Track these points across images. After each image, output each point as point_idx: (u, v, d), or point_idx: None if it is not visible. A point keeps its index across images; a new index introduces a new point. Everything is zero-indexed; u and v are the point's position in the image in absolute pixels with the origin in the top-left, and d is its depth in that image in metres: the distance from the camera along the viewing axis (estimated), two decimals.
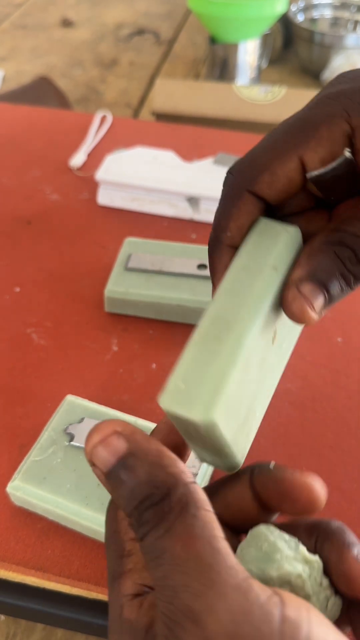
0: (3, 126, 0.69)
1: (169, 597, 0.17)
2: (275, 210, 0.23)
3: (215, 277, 0.24)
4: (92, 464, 0.19)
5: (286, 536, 0.21)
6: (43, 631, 0.35)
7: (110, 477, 0.19)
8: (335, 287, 0.21)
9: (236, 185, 0.23)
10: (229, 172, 0.23)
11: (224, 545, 0.17)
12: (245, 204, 0.23)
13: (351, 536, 0.21)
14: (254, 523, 0.21)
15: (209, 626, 0.16)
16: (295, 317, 0.20)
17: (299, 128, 0.22)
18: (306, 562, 0.20)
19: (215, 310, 0.20)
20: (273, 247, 0.22)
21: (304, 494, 0.20)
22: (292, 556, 0.20)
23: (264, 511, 0.22)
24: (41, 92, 0.83)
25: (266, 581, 0.20)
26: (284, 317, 0.21)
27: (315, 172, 0.21)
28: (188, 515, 0.17)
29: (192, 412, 0.18)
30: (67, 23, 1.20)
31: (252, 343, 0.20)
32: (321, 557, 0.21)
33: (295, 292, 0.20)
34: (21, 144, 0.66)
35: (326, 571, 0.20)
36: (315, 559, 0.20)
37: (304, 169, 0.21)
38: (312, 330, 0.45)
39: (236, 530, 0.22)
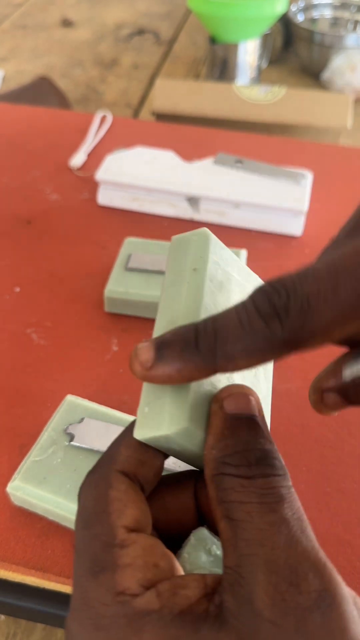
0: (3, 126, 0.69)
1: (282, 545, 0.17)
2: None
3: None
4: (218, 403, 0.19)
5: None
6: (43, 631, 0.35)
7: (233, 419, 0.19)
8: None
9: (279, 346, 0.18)
10: (276, 314, 0.18)
11: (307, 520, 0.18)
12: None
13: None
14: (187, 530, 0.21)
15: (328, 578, 0.16)
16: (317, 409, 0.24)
17: None
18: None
19: (156, 332, 0.21)
20: (187, 253, 0.22)
21: None
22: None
23: (201, 520, 0.21)
24: (41, 92, 0.83)
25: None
26: None
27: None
28: (273, 494, 0.18)
29: (161, 428, 0.18)
30: (67, 23, 1.20)
31: None
32: None
33: (318, 397, 0.23)
34: (21, 144, 0.66)
35: None
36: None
37: None
38: None
39: (166, 536, 0.21)
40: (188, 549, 0.21)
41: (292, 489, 0.18)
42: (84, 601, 0.17)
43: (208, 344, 0.18)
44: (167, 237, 0.53)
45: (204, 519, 0.21)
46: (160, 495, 0.21)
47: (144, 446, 0.20)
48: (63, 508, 0.32)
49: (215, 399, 0.19)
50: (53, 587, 0.32)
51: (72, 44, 1.12)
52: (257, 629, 0.16)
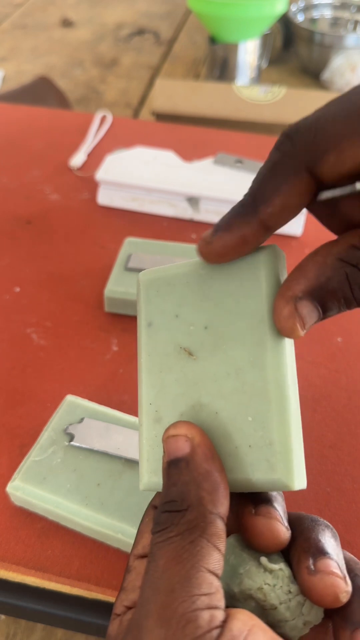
0: (3, 126, 0.69)
1: (138, 605, 0.18)
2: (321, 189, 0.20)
3: (230, 251, 0.20)
4: (164, 450, 0.21)
5: None
6: (43, 631, 0.35)
7: (166, 466, 0.20)
8: (333, 310, 0.20)
9: (295, 156, 0.19)
10: (288, 137, 0.19)
11: (202, 576, 0.18)
12: (300, 183, 0.19)
13: (313, 539, 0.20)
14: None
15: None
16: (285, 332, 0.20)
17: None
18: (270, 571, 0.20)
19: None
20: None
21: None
22: (255, 568, 0.20)
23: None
24: (41, 92, 0.83)
25: (231, 597, 0.20)
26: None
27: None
28: (188, 538, 0.18)
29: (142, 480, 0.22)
30: (67, 23, 1.20)
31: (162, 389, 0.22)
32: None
33: (292, 310, 0.19)
34: (21, 144, 0.66)
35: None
36: (279, 567, 0.20)
37: None
38: (312, 330, 0.45)
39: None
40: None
41: (172, 542, 0.18)
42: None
43: (249, 203, 0.20)
44: (167, 237, 0.53)
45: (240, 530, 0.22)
46: None
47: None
48: (63, 508, 0.32)
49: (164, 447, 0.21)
50: (53, 587, 0.32)
51: (72, 44, 1.12)
52: None
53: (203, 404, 0.21)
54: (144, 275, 0.23)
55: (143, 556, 0.21)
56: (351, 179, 0.19)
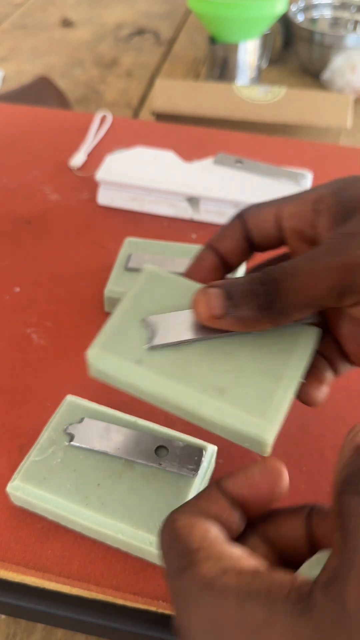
0: (3, 126, 0.69)
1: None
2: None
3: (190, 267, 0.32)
4: (353, 437, 0.21)
5: None
6: (43, 631, 0.35)
7: None
8: None
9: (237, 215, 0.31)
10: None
11: None
12: (234, 228, 0.30)
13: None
14: (300, 560, 0.22)
15: None
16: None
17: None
18: None
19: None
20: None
21: None
22: None
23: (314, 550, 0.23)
24: (41, 92, 0.83)
25: None
26: None
27: None
28: None
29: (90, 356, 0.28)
30: (67, 23, 1.20)
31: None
32: None
33: None
34: (21, 144, 0.66)
35: None
36: None
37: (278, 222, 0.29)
38: None
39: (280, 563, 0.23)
40: (306, 565, 0.21)
41: None
42: (183, 596, 0.19)
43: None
44: (167, 237, 0.53)
45: (317, 548, 0.22)
46: (274, 520, 0.23)
47: (206, 497, 0.22)
48: (63, 508, 0.32)
49: (349, 435, 0.21)
50: (53, 587, 0.32)
51: (72, 44, 1.12)
52: (341, 625, 0.16)
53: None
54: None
55: (206, 539, 0.21)
56: (267, 238, 0.30)
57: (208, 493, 0.23)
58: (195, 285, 0.29)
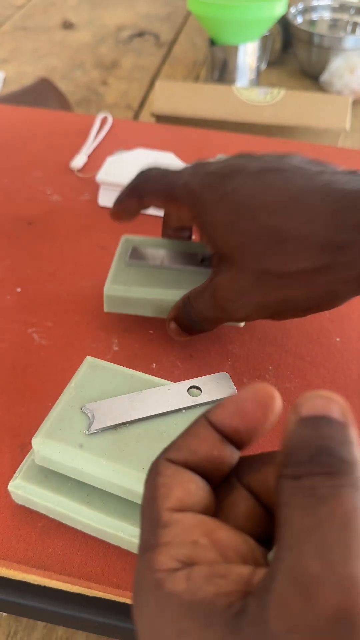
0: (4, 128, 0.69)
1: (310, 552, 0.15)
2: None
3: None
4: (294, 410, 0.18)
5: None
6: (44, 629, 0.35)
7: (305, 420, 0.18)
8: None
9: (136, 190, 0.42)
10: (142, 175, 0.42)
11: None
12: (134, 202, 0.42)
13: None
14: (223, 466, 0.21)
15: (352, 596, 0.14)
16: None
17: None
18: None
19: None
20: None
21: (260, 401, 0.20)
22: None
23: (232, 448, 0.21)
24: (42, 93, 0.83)
25: None
26: None
27: None
28: (359, 493, 0.16)
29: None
30: (67, 25, 1.20)
31: None
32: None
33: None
34: (22, 145, 0.66)
35: None
36: None
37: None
38: (310, 330, 0.45)
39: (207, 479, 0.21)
40: (274, 550, 0.20)
41: (348, 489, 0.16)
42: (139, 583, 0.18)
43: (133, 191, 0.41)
44: None
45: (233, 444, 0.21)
46: (181, 441, 0.21)
47: (194, 434, 0.20)
48: (64, 506, 0.32)
49: (293, 408, 0.19)
50: (54, 586, 0.32)
51: (73, 45, 1.13)
52: None
53: None
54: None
55: (180, 510, 0.19)
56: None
57: (196, 429, 0.20)
58: (131, 372, 0.34)
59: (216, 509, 0.20)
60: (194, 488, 0.19)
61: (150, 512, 0.19)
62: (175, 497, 0.19)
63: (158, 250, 0.45)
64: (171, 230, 0.44)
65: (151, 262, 0.43)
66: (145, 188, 0.39)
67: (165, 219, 0.44)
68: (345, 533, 0.15)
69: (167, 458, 0.20)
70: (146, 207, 0.41)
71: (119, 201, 0.41)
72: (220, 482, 0.21)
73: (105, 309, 0.43)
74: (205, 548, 0.18)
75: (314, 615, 0.14)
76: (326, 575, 0.14)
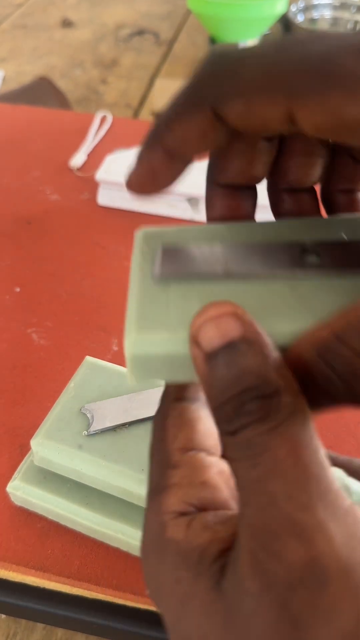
0: (3, 126, 0.69)
1: (264, 505, 0.14)
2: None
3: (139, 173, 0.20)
4: (195, 342, 0.16)
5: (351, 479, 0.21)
6: (43, 631, 0.35)
7: (213, 358, 0.16)
8: None
9: (201, 90, 0.17)
10: (211, 63, 0.18)
11: (329, 465, 0.15)
12: (200, 118, 0.17)
13: None
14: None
15: (318, 545, 0.13)
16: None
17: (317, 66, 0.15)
18: None
19: None
20: None
21: None
22: None
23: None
24: (41, 92, 0.83)
25: None
26: None
27: None
28: (297, 422, 0.15)
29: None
30: (67, 23, 1.20)
31: None
32: None
33: None
34: (21, 144, 0.66)
35: None
36: None
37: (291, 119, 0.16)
38: None
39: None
40: None
41: (283, 427, 0.15)
42: (146, 525, 0.17)
43: (154, 131, 0.20)
44: None
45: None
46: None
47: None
48: (63, 508, 0.32)
49: (190, 339, 0.16)
50: (53, 587, 0.32)
51: (72, 44, 1.12)
52: (241, 603, 0.14)
53: None
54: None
55: (191, 449, 0.18)
56: (264, 135, 0.19)
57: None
58: None
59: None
60: (203, 428, 0.18)
61: (158, 453, 0.18)
62: (185, 437, 0.18)
63: (212, 248, 0.20)
64: (230, 196, 0.22)
65: (205, 269, 0.20)
66: (242, 75, 0.17)
67: (219, 173, 0.22)
68: (295, 476, 0.14)
69: (175, 398, 0.19)
70: (230, 126, 0.17)
71: (161, 128, 0.20)
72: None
73: (131, 379, 0.19)
74: (216, 489, 0.17)
75: (284, 571, 0.13)
76: (286, 528, 0.14)
